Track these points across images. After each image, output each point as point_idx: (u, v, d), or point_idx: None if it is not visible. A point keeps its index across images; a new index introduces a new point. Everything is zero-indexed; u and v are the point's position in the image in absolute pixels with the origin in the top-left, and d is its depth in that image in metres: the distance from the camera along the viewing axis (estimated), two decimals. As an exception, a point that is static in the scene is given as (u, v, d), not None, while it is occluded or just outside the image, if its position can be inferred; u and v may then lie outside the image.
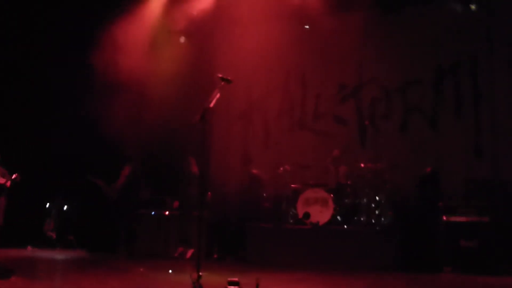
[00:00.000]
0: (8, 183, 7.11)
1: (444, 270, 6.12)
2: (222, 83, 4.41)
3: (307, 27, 8.64)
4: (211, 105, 4.37)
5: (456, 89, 7.96)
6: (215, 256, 7.34)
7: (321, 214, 7.05)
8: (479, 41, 7.77)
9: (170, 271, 5.86)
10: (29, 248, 8.18)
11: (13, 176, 7.10)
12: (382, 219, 7.10)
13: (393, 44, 8.15)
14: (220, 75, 4.43)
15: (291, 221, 7.41)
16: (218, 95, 4.40)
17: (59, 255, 7.59)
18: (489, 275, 5.77)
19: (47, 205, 8.63)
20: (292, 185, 7.58)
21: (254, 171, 8.01)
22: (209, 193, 7.60)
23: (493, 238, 6.03)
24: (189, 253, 7.10)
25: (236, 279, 4.29)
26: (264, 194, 7.82)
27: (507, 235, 6.08)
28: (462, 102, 7.91)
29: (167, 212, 7.59)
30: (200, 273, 4.21)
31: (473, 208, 6.27)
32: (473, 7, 7.75)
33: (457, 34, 7.82)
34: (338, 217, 7.17)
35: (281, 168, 7.73)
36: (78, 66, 8.03)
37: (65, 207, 8.66)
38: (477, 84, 7.82)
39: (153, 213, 7.56)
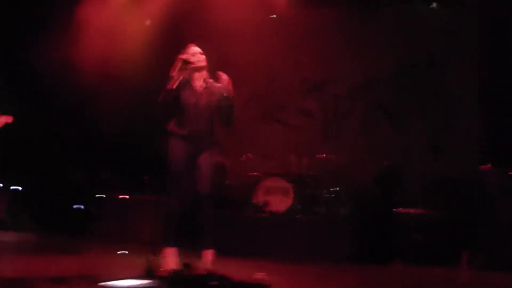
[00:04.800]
0: None
1: (395, 262, 6.33)
2: (186, 65, 4.44)
3: (274, 16, 8.70)
4: (174, 87, 4.38)
5: (417, 89, 8.21)
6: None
7: (280, 204, 7.16)
8: (440, 42, 8.03)
9: (125, 252, 5.85)
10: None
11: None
12: (340, 210, 7.28)
13: (359, 42, 8.34)
14: (184, 58, 4.45)
15: (251, 209, 7.49)
16: (181, 78, 4.42)
17: (11, 237, 7.41)
18: (438, 267, 6.01)
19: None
20: (254, 174, 7.66)
21: (217, 158, 8.03)
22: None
23: (443, 232, 6.28)
24: None
25: (189, 262, 4.33)
26: (226, 182, 7.87)
27: (456, 230, 6.33)
28: (422, 101, 8.17)
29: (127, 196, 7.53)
30: (155, 256, 4.24)
31: (426, 203, 6.51)
32: (434, 5, 7.99)
33: (420, 35, 8.09)
34: (297, 207, 7.29)
35: (244, 156, 7.82)
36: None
37: (19, 188, 8.46)
38: (436, 84, 8.10)
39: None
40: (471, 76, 7.92)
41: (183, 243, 4.50)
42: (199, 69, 4.60)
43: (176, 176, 4.46)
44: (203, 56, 4.64)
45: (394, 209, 6.63)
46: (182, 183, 4.44)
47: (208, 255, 4.47)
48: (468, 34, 7.95)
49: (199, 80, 4.60)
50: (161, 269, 4.23)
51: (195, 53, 4.63)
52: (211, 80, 4.68)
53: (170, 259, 4.40)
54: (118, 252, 5.83)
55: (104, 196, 7.51)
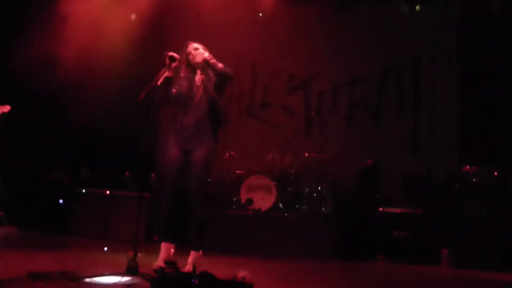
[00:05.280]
0: None
1: (377, 259, 6.39)
2: (171, 62, 4.40)
3: (260, 15, 8.68)
4: (158, 83, 4.34)
5: (399, 88, 8.31)
6: (155, 238, 7.28)
7: (264, 201, 7.17)
8: (422, 44, 8.16)
9: (105, 248, 5.79)
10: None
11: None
12: (323, 208, 7.31)
13: (343, 40, 8.39)
14: (168, 53, 4.40)
15: (234, 206, 7.49)
16: (166, 74, 4.39)
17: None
18: (419, 264, 6.09)
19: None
20: (237, 171, 7.65)
21: (212, 156, 7.99)
22: (152, 174, 7.52)
23: (424, 230, 6.36)
24: None
25: (174, 260, 4.30)
26: (209, 179, 7.83)
27: (437, 227, 6.41)
28: (404, 100, 8.27)
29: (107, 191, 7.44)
30: (137, 253, 4.20)
31: (408, 200, 6.58)
32: (417, 8, 8.08)
33: (403, 36, 8.19)
34: (280, 205, 7.31)
35: (227, 154, 7.80)
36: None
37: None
38: (418, 84, 8.20)
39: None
40: (452, 76, 8.03)
41: (176, 239, 4.48)
42: (196, 65, 4.54)
43: (166, 173, 4.41)
44: (201, 51, 4.55)
45: (376, 207, 6.68)
46: (173, 179, 4.38)
47: (195, 256, 4.45)
48: (449, 34, 8.07)
49: (197, 75, 4.54)
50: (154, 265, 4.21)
51: (193, 49, 4.57)
52: (210, 74, 4.59)
53: (163, 254, 4.39)
54: (104, 249, 5.76)
55: (84, 191, 7.40)
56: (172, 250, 4.47)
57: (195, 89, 4.49)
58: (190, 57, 4.57)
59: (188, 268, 4.33)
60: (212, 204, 7.45)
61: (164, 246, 4.44)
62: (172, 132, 4.49)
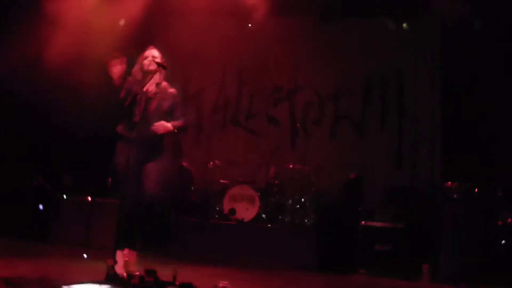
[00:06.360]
0: None
1: (359, 272, 6.40)
2: (158, 68, 4.38)
3: (250, 25, 8.71)
4: (144, 89, 4.33)
5: (383, 101, 8.38)
6: (138, 247, 7.19)
7: (246, 211, 7.15)
8: (405, 58, 8.28)
9: (85, 256, 5.71)
10: None
11: None
12: (306, 220, 7.31)
13: (329, 53, 8.45)
14: (156, 61, 4.39)
15: (217, 216, 7.45)
16: (152, 79, 4.37)
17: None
18: (400, 278, 6.11)
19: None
20: (221, 181, 7.63)
21: (184, 163, 7.96)
22: (109, 179, 7.45)
23: (405, 244, 6.39)
24: None
25: (153, 268, 4.27)
26: (192, 188, 7.80)
27: (419, 242, 6.45)
28: (388, 113, 8.34)
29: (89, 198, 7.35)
30: (116, 261, 4.15)
31: (390, 214, 6.61)
32: (405, 25, 8.21)
33: (387, 49, 8.30)
34: (263, 215, 7.29)
35: (211, 163, 7.77)
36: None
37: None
38: (402, 98, 8.29)
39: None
40: (435, 90, 8.13)
41: (137, 247, 4.44)
42: (149, 72, 4.48)
43: (123, 180, 4.35)
44: (157, 60, 4.51)
45: (359, 220, 6.70)
46: (130, 187, 4.32)
47: (127, 254, 4.42)
48: (431, 49, 8.19)
49: (151, 85, 4.49)
50: (115, 273, 4.15)
51: (148, 57, 4.54)
52: (164, 84, 4.58)
53: (121, 262, 4.34)
54: (84, 256, 5.68)
55: (65, 198, 7.31)
56: (130, 256, 4.41)
57: (149, 99, 4.44)
58: (145, 61, 4.53)
59: (130, 268, 4.27)
60: (194, 213, 7.41)
61: (121, 253, 4.37)
62: (126, 140, 4.43)
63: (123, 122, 4.49)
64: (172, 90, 4.58)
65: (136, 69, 4.58)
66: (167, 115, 4.52)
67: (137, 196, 4.36)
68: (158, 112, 4.44)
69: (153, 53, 4.59)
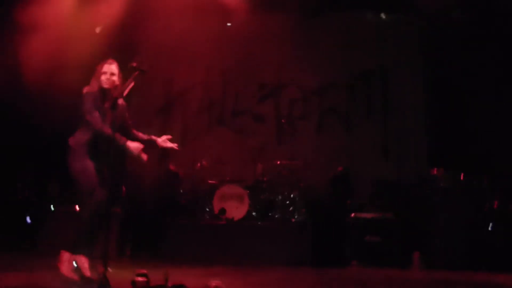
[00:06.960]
0: None
1: (351, 264, 6.43)
2: (137, 72, 4.29)
3: (229, 24, 8.70)
4: (124, 94, 4.28)
5: (368, 95, 8.43)
6: (128, 253, 7.16)
7: (236, 210, 7.14)
8: (388, 52, 8.34)
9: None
10: None
11: None
12: (296, 216, 7.32)
13: (313, 48, 8.46)
14: (134, 64, 4.26)
15: (207, 216, 7.43)
16: (131, 85, 4.30)
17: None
18: (391, 268, 6.16)
19: None
20: (209, 181, 7.61)
21: (171, 166, 7.93)
22: (123, 188, 7.41)
23: (395, 234, 6.44)
24: None
25: (144, 271, 4.24)
26: (181, 190, 7.77)
27: (408, 231, 6.51)
28: (373, 107, 8.39)
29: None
30: (108, 269, 4.11)
31: (378, 206, 6.66)
32: (382, 15, 8.26)
33: (370, 44, 8.33)
34: (254, 213, 7.29)
35: (199, 164, 7.75)
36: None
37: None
38: (386, 91, 8.34)
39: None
40: (418, 82, 8.20)
41: (95, 253, 4.41)
42: (103, 89, 4.43)
43: (86, 188, 4.37)
44: (114, 78, 4.45)
45: (348, 213, 6.73)
46: (90, 194, 4.34)
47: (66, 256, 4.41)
48: (413, 42, 8.25)
49: (109, 101, 4.35)
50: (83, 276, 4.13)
51: (106, 73, 4.45)
52: (119, 102, 4.49)
53: (84, 268, 4.35)
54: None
55: (52, 208, 7.22)
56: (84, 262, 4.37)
57: (104, 114, 4.39)
58: (102, 77, 4.45)
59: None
60: (184, 215, 7.39)
61: (83, 259, 4.37)
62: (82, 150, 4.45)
63: (78, 133, 4.48)
64: (122, 101, 4.54)
65: (93, 80, 4.49)
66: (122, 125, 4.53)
67: (98, 203, 4.34)
68: (118, 124, 4.40)
69: (112, 69, 4.48)
